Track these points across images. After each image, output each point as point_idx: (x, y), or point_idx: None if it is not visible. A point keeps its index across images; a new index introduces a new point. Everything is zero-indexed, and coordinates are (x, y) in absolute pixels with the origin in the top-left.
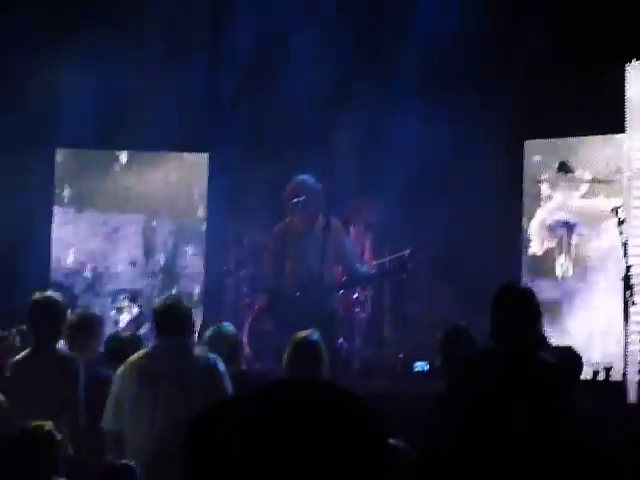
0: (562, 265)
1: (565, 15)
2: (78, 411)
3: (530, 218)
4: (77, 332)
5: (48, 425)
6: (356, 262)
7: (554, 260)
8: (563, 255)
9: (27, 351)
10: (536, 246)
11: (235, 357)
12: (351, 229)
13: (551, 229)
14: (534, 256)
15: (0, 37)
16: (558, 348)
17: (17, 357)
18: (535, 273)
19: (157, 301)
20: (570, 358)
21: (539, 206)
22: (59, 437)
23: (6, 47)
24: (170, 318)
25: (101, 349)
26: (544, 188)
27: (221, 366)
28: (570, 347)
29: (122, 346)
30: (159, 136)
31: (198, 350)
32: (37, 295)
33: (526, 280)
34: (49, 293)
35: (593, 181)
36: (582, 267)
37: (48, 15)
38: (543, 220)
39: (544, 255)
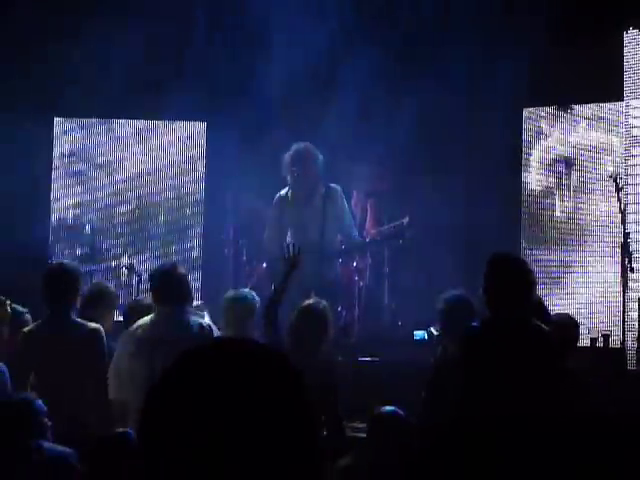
0: (562, 205)
1: None
2: (104, 382)
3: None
4: (91, 305)
5: (30, 395)
6: (355, 230)
7: (554, 203)
8: (563, 193)
9: (41, 321)
10: (534, 182)
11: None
12: (353, 195)
13: (550, 165)
14: (532, 196)
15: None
16: (557, 315)
17: (29, 327)
18: (535, 217)
19: (154, 268)
20: (567, 325)
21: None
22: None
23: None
24: (166, 286)
25: (113, 321)
26: (543, 125)
27: (216, 333)
28: (567, 314)
29: (141, 313)
30: (157, 105)
31: (195, 318)
32: (52, 264)
33: (525, 246)
34: (64, 261)
35: (592, 117)
36: (581, 217)
37: None
38: (542, 157)
39: (543, 195)
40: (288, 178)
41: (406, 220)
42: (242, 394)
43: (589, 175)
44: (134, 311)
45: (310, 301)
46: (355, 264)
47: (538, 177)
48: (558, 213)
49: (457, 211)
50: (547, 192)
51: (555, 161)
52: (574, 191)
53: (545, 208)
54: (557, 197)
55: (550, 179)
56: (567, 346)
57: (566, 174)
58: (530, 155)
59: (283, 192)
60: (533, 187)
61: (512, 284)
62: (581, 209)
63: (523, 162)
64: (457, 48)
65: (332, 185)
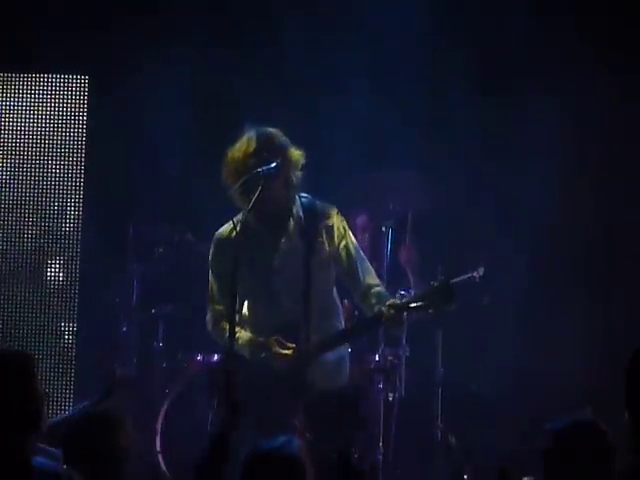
0: None
1: None
2: None
3: None
4: None
5: None
6: (374, 274)
7: None
8: None
9: None
10: None
11: None
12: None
13: None
14: None
15: None
16: None
17: None
18: None
19: None
20: None
21: None
22: None
23: None
24: None
25: None
26: None
27: None
28: None
29: None
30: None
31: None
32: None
33: None
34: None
35: None
36: None
37: None
38: None
39: None
40: (238, 196)
41: (480, 272)
42: None
43: None
44: None
45: (274, 441)
46: (377, 359)
47: None
48: None
49: None
50: None
51: None
52: None
53: None
54: None
55: None
56: None
57: None
58: None
59: (227, 228)
60: None
61: None
62: None
63: None
64: None
65: (322, 205)
